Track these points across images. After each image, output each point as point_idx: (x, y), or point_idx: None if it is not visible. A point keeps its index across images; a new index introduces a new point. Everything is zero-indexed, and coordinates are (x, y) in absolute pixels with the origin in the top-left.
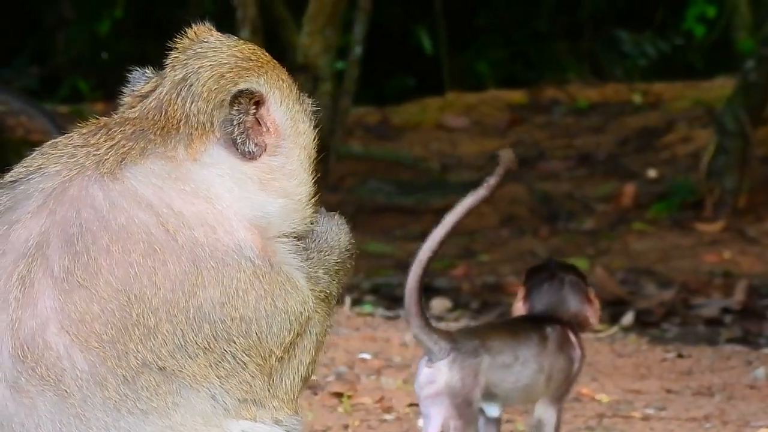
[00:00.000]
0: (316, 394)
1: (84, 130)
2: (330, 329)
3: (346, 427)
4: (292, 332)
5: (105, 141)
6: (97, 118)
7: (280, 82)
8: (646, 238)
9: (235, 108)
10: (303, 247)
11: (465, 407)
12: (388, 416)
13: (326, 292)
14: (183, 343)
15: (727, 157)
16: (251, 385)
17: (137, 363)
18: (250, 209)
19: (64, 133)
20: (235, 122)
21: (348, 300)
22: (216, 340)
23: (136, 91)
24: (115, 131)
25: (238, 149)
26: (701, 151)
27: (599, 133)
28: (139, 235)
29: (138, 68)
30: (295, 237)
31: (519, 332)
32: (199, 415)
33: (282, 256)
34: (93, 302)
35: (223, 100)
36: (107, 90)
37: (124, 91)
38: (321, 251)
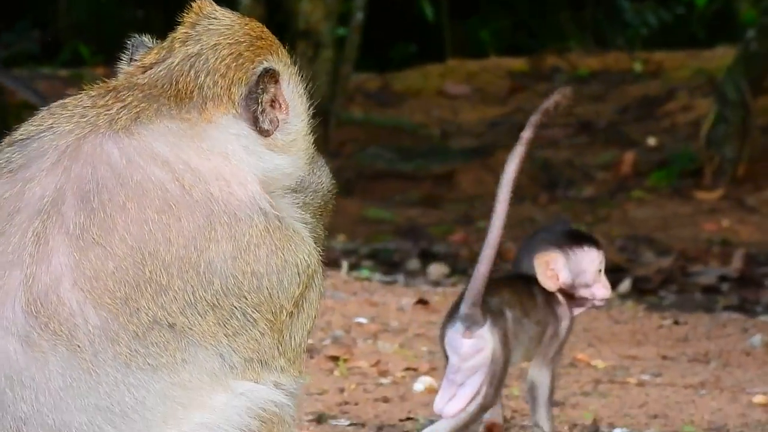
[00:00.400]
0: (312, 357)
1: (92, 93)
2: (324, 274)
3: (342, 390)
4: (301, 285)
5: (115, 102)
6: (103, 82)
7: (286, 58)
8: (645, 206)
9: (260, 87)
10: (299, 198)
11: (503, 371)
12: (384, 380)
13: (314, 235)
14: (193, 300)
15: (727, 126)
16: (260, 343)
17: (148, 320)
18: (261, 167)
19: (48, 103)
20: (259, 100)
21: (346, 264)
22: (226, 296)
23: (137, 59)
24: (125, 94)
25: (257, 127)
26: (701, 120)
27: (600, 102)
28: (154, 192)
29: (138, 35)
30: (292, 190)
31: (515, 286)
32: (206, 374)
33: (287, 210)
34: (108, 259)
35: (241, 78)
36: (108, 55)
37: (123, 57)
38: (307, 196)
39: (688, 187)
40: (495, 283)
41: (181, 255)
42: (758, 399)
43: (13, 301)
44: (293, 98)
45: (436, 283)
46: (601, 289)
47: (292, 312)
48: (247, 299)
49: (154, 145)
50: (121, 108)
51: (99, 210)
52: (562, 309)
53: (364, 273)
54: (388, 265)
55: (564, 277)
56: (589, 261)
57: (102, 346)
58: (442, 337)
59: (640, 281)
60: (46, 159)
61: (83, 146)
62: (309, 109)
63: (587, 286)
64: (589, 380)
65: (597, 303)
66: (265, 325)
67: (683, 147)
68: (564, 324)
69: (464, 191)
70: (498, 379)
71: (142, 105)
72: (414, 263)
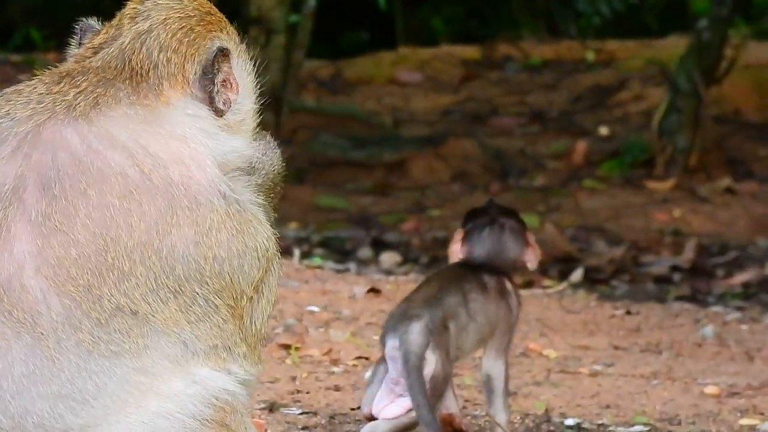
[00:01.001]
0: (264, 345)
1: (45, 79)
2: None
3: (293, 378)
4: (261, 270)
5: (71, 88)
6: (55, 67)
7: (234, 36)
8: (597, 196)
9: (215, 67)
10: (252, 181)
11: (444, 384)
12: (335, 368)
13: (268, 219)
14: (155, 286)
15: (679, 116)
16: (222, 330)
17: (111, 307)
18: (218, 149)
19: None
20: (214, 80)
21: (297, 253)
22: (188, 281)
23: (87, 42)
24: (80, 80)
25: (213, 106)
26: (653, 110)
27: (552, 91)
28: (115, 178)
29: (86, 19)
30: (245, 172)
31: (464, 285)
32: (168, 360)
33: (244, 193)
34: (70, 247)
35: (194, 54)
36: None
37: (72, 41)
38: (259, 177)
39: (640, 176)
40: (441, 282)
41: (143, 241)
42: (710, 390)
43: None
44: (242, 77)
45: (388, 272)
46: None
47: (252, 297)
48: (209, 285)
49: (113, 132)
50: (77, 94)
51: (60, 197)
52: (512, 299)
53: (316, 261)
54: (340, 253)
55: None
56: None
57: (65, 334)
58: (383, 341)
59: (592, 271)
60: (6, 147)
61: (43, 133)
62: (256, 87)
63: None
64: (541, 370)
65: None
66: (227, 311)
67: (635, 137)
68: (515, 313)
69: (416, 179)
70: (439, 391)
71: (99, 90)
72: (366, 252)
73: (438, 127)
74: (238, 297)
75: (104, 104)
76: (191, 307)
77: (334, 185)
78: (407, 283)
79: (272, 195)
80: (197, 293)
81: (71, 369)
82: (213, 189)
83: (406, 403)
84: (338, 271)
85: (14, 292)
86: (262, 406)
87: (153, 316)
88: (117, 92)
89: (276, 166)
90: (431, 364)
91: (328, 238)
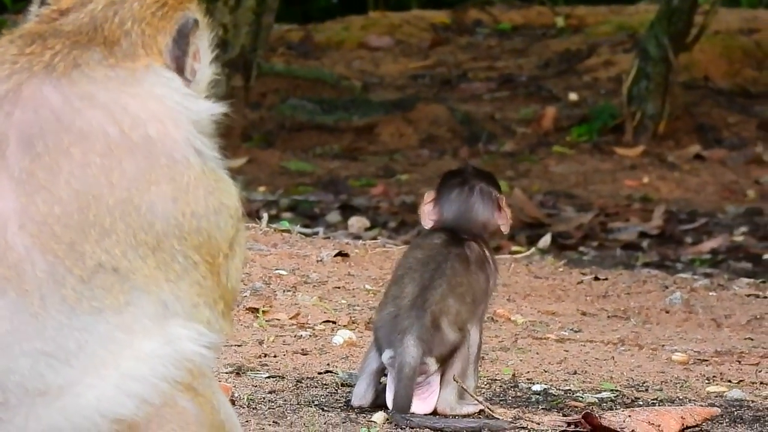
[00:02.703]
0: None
1: (15, 40)
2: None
3: (260, 342)
4: (234, 228)
5: (45, 50)
6: (22, 28)
7: (198, 5)
8: (566, 162)
9: (188, 38)
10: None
11: (477, 357)
12: (303, 332)
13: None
14: (135, 243)
15: (648, 82)
16: (202, 287)
17: (93, 264)
18: (192, 109)
19: None
20: (185, 52)
21: (266, 216)
22: (166, 237)
23: (52, 4)
24: (53, 42)
25: (182, 75)
26: (623, 76)
27: (521, 56)
28: (96, 136)
29: None
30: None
31: (446, 270)
32: (148, 318)
33: (215, 153)
34: (54, 204)
35: (166, 27)
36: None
37: (34, 2)
38: None
39: (609, 143)
40: (422, 272)
41: (123, 198)
42: (677, 356)
43: None
44: (204, 47)
45: (357, 236)
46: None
47: (227, 254)
48: (187, 240)
49: (93, 92)
50: (53, 55)
51: (44, 154)
52: (490, 267)
53: (284, 225)
54: (309, 217)
55: None
56: None
57: (49, 290)
58: (378, 349)
59: (560, 237)
60: None
61: (23, 91)
62: (214, 57)
63: None
64: (508, 335)
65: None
66: (206, 268)
67: (604, 103)
68: (492, 282)
69: (385, 144)
70: (474, 364)
71: (75, 53)
72: (334, 216)
73: (407, 91)
74: (216, 253)
75: (84, 65)
76: (171, 264)
77: (303, 149)
78: (375, 247)
79: None
80: (176, 249)
81: (54, 326)
82: (189, 146)
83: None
84: (306, 235)
85: None
86: (229, 369)
87: (133, 273)
88: (93, 55)
89: None
90: (432, 366)
91: (297, 202)
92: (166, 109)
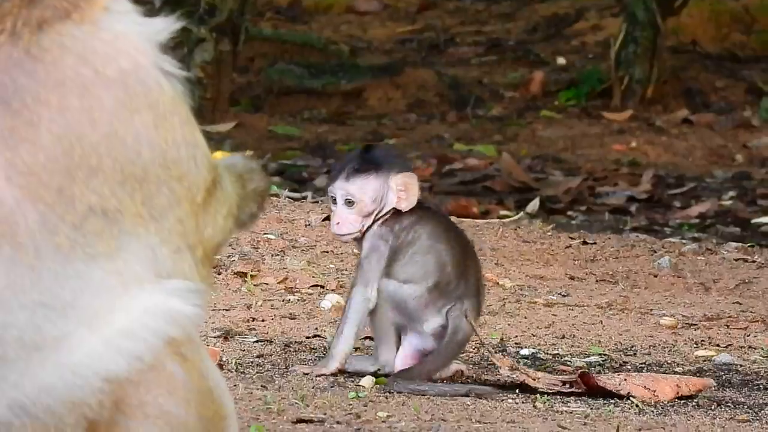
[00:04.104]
0: (219, 273)
1: None
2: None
3: (249, 306)
4: (211, 172)
5: (5, 17)
6: None
7: None
8: (554, 126)
9: None
10: None
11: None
12: (291, 296)
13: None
14: (122, 179)
15: (636, 46)
16: (184, 226)
17: (83, 208)
18: (150, 32)
19: None
20: None
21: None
22: (153, 165)
23: None
24: (8, 6)
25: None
26: (611, 40)
27: (509, 20)
28: (71, 81)
29: None
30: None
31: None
32: (139, 264)
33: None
34: (38, 153)
35: None
36: None
37: None
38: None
39: (597, 107)
40: (455, 246)
41: (107, 132)
42: (666, 321)
43: None
44: None
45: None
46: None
47: (205, 199)
48: (170, 170)
49: (60, 44)
50: (14, 23)
51: (22, 110)
52: None
53: (273, 189)
54: (297, 181)
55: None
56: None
57: (43, 241)
58: (420, 318)
59: (549, 201)
60: None
61: None
62: None
63: None
64: (496, 300)
65: None
66: (187, 206)
67: (592, 67)
68: None
69: (373, 108)
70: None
71: (35, 13)
72: (323, 180)
73: (395, 56)
74: (195, 191)
75: (45, 24)
76: (156, 197)
77: (291, 113)
78: None
79: None
80: (161, 179)
81: (50, 276)
82: (156, 68)
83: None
84: (295, 200)
85: None
86: (217, 334)
87: (121, 214)
88: (52, 11)
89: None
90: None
91: (285, 166)
92: (132, 42)
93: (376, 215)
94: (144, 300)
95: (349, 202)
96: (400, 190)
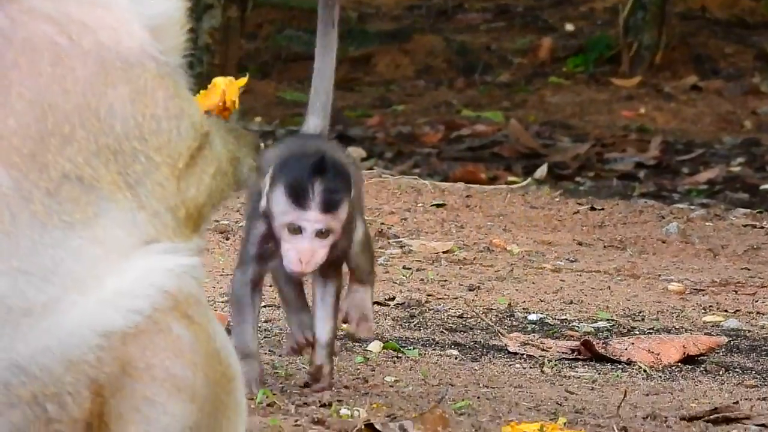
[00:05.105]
0: (227, 239)
1: None
2: (229, 180)
3: None
4: (197, 139)
5: None
6: None
7: None
8: (562, 92)
9: None
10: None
11: None
12: None
13: (231, 150)
14: (96, 149)
15: (645, 12)
16: (164, 189)
17: (58, 174)
18: (146, 14)
19: None
20: None
21: (262, 146)
22: (127, 139)
23: None
24: None
25: None
26: (619, 6)
27: None
28: (44, 46)
29: None
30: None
31: None
32: (120, 229)
33: (177, 68)
34: (9, 117)
35: None
36: None
37: None
38: None
39: (606, 73)
40: None
41: (80, 103)
42: (674, 287)
43: None
44: None
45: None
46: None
47: (188, 163)
48: (147, 141)
49: (35, 4)
50: None
51: None
52: None
53: None
54: None
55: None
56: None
57: (18, 208)
58: None
59: (557, 167)
60: None
61: None
62: None
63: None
64: (504, 265)
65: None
66: (167, 170)
67: (601, 33)
68: None
69: (381, 75)
70: None
71: None
72: None
73: (403, 22)
74: (176, 157)
75: None
76: (132, 165)
77: (299, 80)
78: (371, 177)
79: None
80: (137, 149)
81: (27, 243)
82: (143, 51)
83: None
84: None
85: None
86: (225, 299)
87: (98, 181)
88: None
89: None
90: None
91: (293, 132)
92: (115, 17)
93: None
94: (134, 262)
95: (323, 234)
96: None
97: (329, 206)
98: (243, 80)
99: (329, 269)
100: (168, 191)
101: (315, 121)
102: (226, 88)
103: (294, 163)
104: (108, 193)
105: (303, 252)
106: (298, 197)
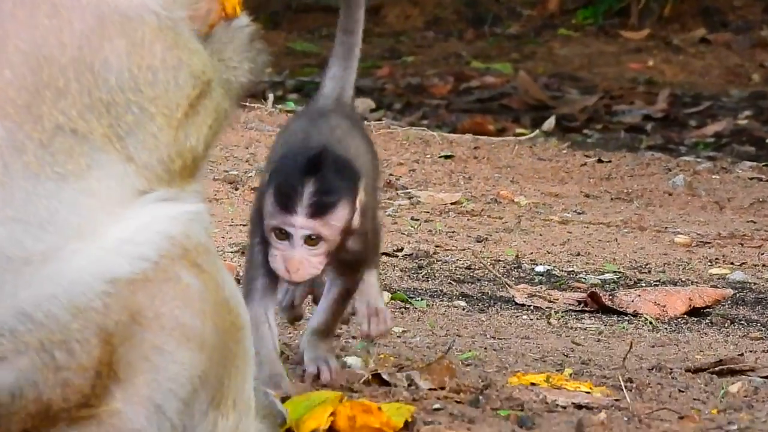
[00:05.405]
0: (236, 189)
1: None
2: (228, 114)
3: None
4: (196, 88)
5: None
6: None
7: None
8: (571, 44)
9: None
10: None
11: None
12: None
13: (224, 78)
14: (90, 103)
15: None
16: (158, 139)
17: (51, 126)
18: None
19: None
20: None
21: (271, 97)
22: (122, 91)
23: None
24: None
25: None
26: None
27: None
28: None
29: None
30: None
31: None
32: (114, 181)
33: (182, 19)
34: (4, 68)
35: None
36: None
37: None
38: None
39: (614, 26)
40: None
41: (75, 56)
42: (680, 239)
43: None
44: None
45: (362, 117)
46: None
47: (187, 112)
48: (143, 93)
49: None
50: None
51: None
52: None
53: (290, 105)
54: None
55: None
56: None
57: (11, 158)
58: None
59: (565, 119)
60: None
61: None
62: None
63: None
64: (511, 217)
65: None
66: (163, 120)
67: None
68: None
69: (391, 26)
70: None
71: None
72: None
73: None
74: (173, 108)
75: None
76: (124, 116)
77: (309, 30)
78: (380, 128)
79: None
80: (131, 101)
81: (21, 194)
82: (144, 6)
83: None
84: None
85: None
86: (234, 249)
87: (91, 134)
88: None
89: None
90: None
91: (302, 83)
92: None
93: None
94: (134, 211)
95: (313, 240)
96: (359, 207)
97: (319, 210)
98: None
99: (345, 268)
100: (161, 141)
101: (332, 87)
102: None
103: (289, 160)
104: (101, 144)
105: (289, 260)
106: (285, 199)
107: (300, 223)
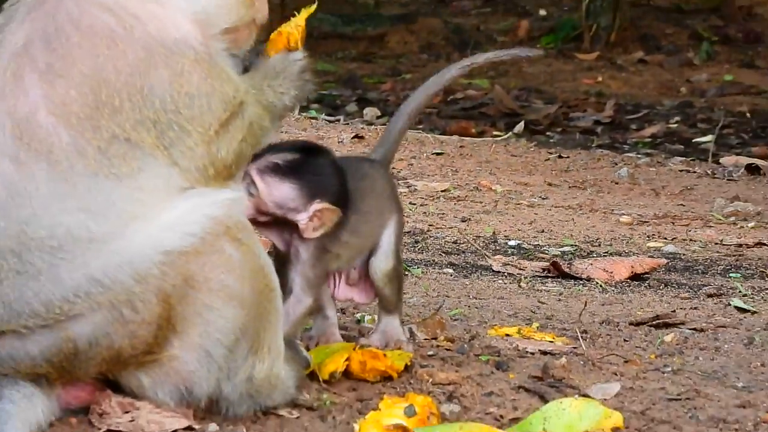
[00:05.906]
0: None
1: None
2: (266, 129)
3: None
4: (227, 111)
5: None
6: None
7: None
8: (537, 64)
9: None
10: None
11: None
12: None
13: (269, 101)
14: (140, 118)
15: (602, 0)
16: (193, 152)
17: (108, 135)
18: (193, 6)
19: None
20: None
21: (297, 107)
22: (165, 112)
23: None
24: None
25: None
26: None
27: None
28: (102, 32)
29: None
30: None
31: None
32: (161, 180)
33: (219, 51)
34: (71, 88)
35: None
36: None
37: None
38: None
39: (571, 49)
40: None
41: (127, 81)
42: (624, 219)
43: (2, 128)
44: None
45: (370, 123)
46: None
47: (218, 131)
48: (182, 114)
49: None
50: None
51: (60, 49)
52: None
53: (312, 114)
54: (332, 107)
55: None
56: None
57: (74, 160)
58: None
59: (532, 124)
60: (18, 15)
61: (45, 4)
62: None
63: None
64: (489, 201)
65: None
66: (197, 136)
67: (567, 17)
68: None
69: (393, 50)
70: None
71: None
72: (352, 107)
73: (411, 7)
74: (207, 127)
75: None
76: (167, 132)
77: (327, 53)
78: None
79: (292, 89)
80: (172, 120)
81: (83, 189)
82: (185, 42)
83: None
84: (330, 122)
85: (31, 128)
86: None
87: (142, 142)
88: None
89: (294, 70)
90: None
91: (322, 96)
92: (164, 11)
93: (275, 219)
94: (181, 201)
95: (251, 195)
96: (316, 217)
97: (265, 169)
98: (310, 9)
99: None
100: (197, 153)
101: (380, 151)
102: (291, 31)
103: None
104: (150, 151)
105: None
106: (262, 151)
107: (252, 169)
